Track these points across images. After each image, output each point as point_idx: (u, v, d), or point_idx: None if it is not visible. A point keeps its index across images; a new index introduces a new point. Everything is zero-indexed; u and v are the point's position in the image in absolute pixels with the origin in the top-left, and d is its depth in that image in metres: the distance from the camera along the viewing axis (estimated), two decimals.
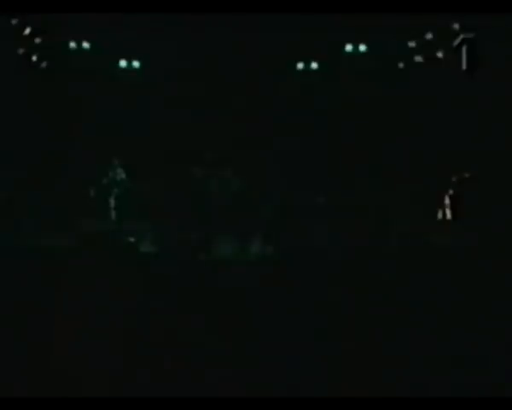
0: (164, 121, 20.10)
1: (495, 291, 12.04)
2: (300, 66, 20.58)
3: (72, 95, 19.76)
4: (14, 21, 18.52)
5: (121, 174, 18.70)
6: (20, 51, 19.12)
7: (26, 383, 7.47)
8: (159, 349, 8.96)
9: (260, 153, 19.76)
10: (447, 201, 18.52)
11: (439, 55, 19.32)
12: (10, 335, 9.35)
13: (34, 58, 19.52)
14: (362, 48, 20.32)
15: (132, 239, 17.34)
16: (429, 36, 19.37)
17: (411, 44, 19.69)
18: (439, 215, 18.57)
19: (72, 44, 20.08)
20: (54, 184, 18.59)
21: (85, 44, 20.13)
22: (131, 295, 12.18)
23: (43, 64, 19.72)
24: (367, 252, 16.17)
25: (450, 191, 18.45)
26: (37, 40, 19.36)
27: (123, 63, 20.46)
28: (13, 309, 10.76)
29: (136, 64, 20.52)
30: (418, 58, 19.69)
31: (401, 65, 19.89)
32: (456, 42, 18.20)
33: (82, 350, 8.81)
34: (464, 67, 17.98)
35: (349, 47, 20.35)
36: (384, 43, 19.73)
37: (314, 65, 20.51)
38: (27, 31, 19.00)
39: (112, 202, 18.61)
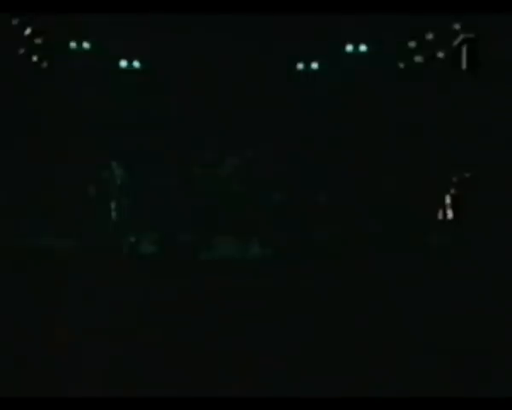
0: (164, 121, 20.09)
1: (495, 291, 12.05)
2: (300, 66, 20.57)
3: (72, 95, 19.74)
4: (14, 21, 18.53)
5: (121, 174, 18.70)
6: (21, 51, 19.12)
7: (26, 383, 7.48)
8: (159, 349, 8.97)
9: (260, 152, 19.76)
10: (448, 200, 18.52)
11: (439, 55, 19.30)
12: (10, 335, 9.36)
13: (34, 58, 19.52)
14: (362, 48, 20.30)
15: (132, 239, 17.36)
16: (429, 36, 19.36)
17: (411, 44, 19.67)
18: (440, 215, 18.57)
19: (72, 44, 20.07)
20: (54, 183, 18.60)
21: (85, 44, 20.11)
22: (131, 295, 12.20)
23: (44, 64, 19.71)
24: (367, 252, 16.19)
25: (451, 191, 18.45)
26: (38, 40, 19.36)
27: (123, 63, 20.45)
28: (13, 309, 10.77)
29: (136, 64, 20.50)
30: (418, 58, 19.67)
31: (401, 65, 19.88)
32: (456, 42, 18.20)
33: (82, 350, 8.82)
34: (464, 67, 17.98)
35: (349, 47, 20.34)
36: (384, 43, 19.71)
37: (314, 65, 20.50)
38: (28, 31, 19.00)
39: (112, 202, 18.61)
